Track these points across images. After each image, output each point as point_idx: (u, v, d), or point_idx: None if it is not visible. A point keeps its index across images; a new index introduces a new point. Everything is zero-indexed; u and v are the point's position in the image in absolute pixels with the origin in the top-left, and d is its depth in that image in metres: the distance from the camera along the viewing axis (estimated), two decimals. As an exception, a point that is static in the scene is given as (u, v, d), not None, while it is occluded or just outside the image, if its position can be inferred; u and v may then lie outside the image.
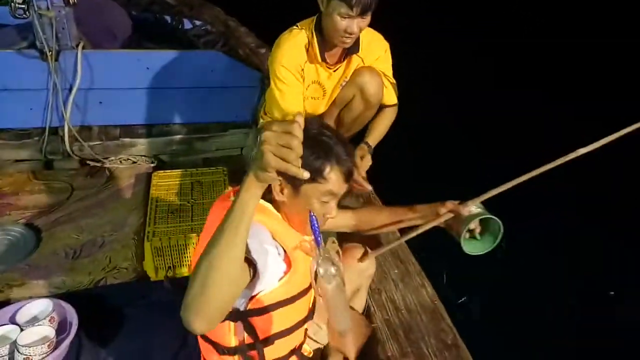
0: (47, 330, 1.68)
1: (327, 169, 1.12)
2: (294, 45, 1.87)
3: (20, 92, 2.64)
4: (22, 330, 1.68)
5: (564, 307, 2.67)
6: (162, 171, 2.59)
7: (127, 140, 2.83)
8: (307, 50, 1.89)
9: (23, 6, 2.45)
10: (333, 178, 1.13)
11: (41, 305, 1.78)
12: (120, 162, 2.78)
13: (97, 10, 2.95)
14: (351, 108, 1.96)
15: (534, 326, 2.53)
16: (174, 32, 3.30)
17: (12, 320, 1.73)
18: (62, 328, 1.73)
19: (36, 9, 2.40)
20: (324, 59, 1.90)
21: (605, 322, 2.56)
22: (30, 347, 1.59)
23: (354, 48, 1.90)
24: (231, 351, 1.23)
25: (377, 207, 1.64)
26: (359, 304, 1.50)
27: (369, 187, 1.82)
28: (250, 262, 1.00)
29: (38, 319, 1.74)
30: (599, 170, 2.80)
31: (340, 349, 1.04)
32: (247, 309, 1.16)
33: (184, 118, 2.89)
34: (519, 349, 2.37)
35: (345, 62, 1.96)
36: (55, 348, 1.64)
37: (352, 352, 0.85)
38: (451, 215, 1.35)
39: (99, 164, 2.74)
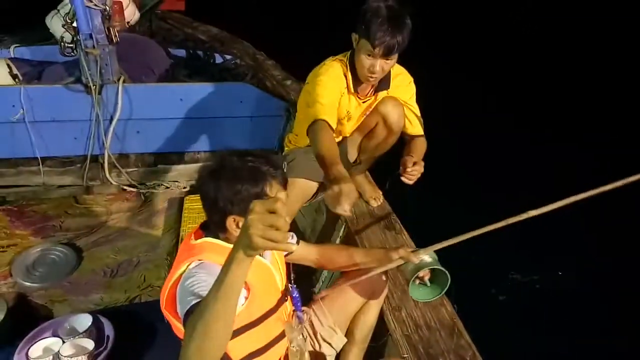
0: (86, 342, 1.79)
1: (267, 188, 1.18)
2: (336, 71, 1.93)
3: (66, 123, 2.84)
4: (63, 342, 1.79)
5: (590, 327, 2.64)
6: (193, 195, 2.74)
7: (161, 167, 3.00)
8: (344, 79, 1.95)
9: (72, 45, 2.68)
10: (275, 191, 1.19)
11: (81, 320, 1.89)
12: (155, 187, 2.95)
13: (137, 47, 3.17)
14: (374, 135, 2.03)
15: (554, 343, 2.51)
16: (206, 66, 3.49)
17: (55, 334, 1.85)
18: (99, 341, 1.84)
19: (83, 47, 2.62)
20: (356, 91, 1.98)
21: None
22: (71, 357, 1.70)
23: (384, 85, 1.97)
24: None
25: (338, 247, 1.67)
26: (367, 319, 1.55)
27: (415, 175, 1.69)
28: None
29: (78, 332, 1.85)
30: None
31: None
32: None
33: (215, 145, 3.05)
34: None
35: (374, 96, 2.04)
36: (94, 359, 1.74)
37: None
38: (402, 262, 1.42)
39: (134, 190, 2.91)
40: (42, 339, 1.80)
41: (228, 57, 3.61)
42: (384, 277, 1.53)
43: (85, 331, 1.83)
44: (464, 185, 3.77)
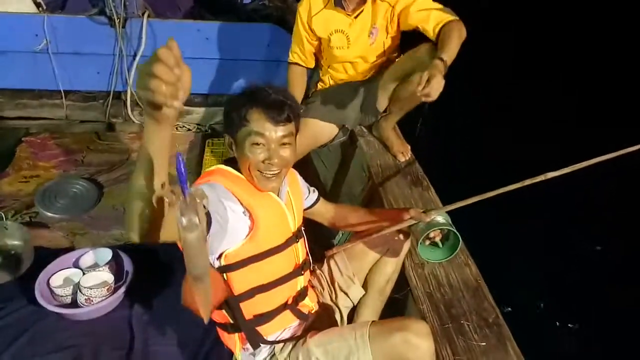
0: (106, 275, 1.81)
1: (249, 111, 1.18)
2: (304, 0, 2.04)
3: (89, 56, 2.78)
4: (84, 274, 1.81)
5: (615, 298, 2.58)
6: (215, 139, 2.69)
7: (184, 107, 2.93)
8: None
9: (96, -27, 2.58)
10: (255, 118, 1.18)
11: (102, 254, 1.91)
12: (177, 128, 2.90)
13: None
14: (408, 84, 1.92)
15: (578, 311, 2.47)
16: (234, 5, 3.35)
17: (76, 265, 1.88)
18: (119, 275, 1.86)
19: (108, -24, 2.51)
20: (338, 4, 1.95)
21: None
22: (92, 289, 1.72)
23: None
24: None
25: (352, 207, 1.64)
26: (385, 270, 1.52)
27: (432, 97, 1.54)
28: (206, 214, 1.00)
29: (98, 265, 1.87)
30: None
31: (192, 299, 0.98)
32: (221, 265, 1.24)
33: (238, 89, 2.95)
34: (563, 331, 2.33)
35: (367, 7, 1.95)
36: (113, 292, 1.76)
37: (201, 303, 0.83)
38: (413, 221, 1.38)
39: (156, 129, 2.86)
40: (63, 269, 1.83)
41: (256, -3, 3.45)
42: (401, 236, 1.47)
43: (105, 265, 1.85)
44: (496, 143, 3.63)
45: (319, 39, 2.10)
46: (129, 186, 0.83)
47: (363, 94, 2.15)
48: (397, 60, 2.12)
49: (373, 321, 1.33)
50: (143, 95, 0.72)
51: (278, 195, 1.31)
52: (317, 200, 1.54)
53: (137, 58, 2.76)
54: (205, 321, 0.88)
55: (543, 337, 2.30)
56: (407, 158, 2.15)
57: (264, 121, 1.18)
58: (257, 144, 1.19)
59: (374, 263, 1.52)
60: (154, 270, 1.92)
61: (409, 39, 2.01)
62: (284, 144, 1.22)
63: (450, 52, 1.67)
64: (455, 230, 1.34)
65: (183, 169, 0.75)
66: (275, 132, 1.19)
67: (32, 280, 1.75)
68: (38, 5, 2.76)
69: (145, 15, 2.69)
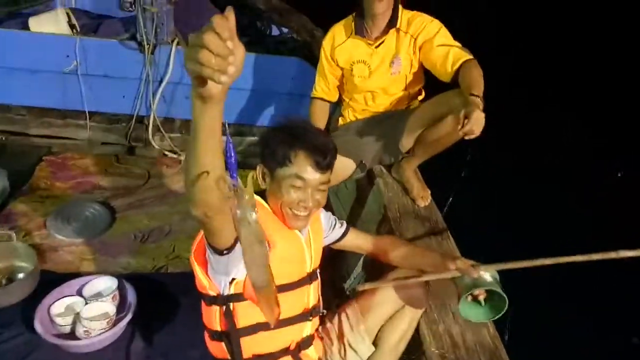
0: (108, 307, 1.76)
1: (294, 153, 1.19)
2: (328, 34, 2.10)
3: (116, 79, 2.82)
4: (86, 303, 1.77)
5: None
6: (234, 169, 2.66)
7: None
8: (346, 30, 2.04)
9: (131, 0, 2.63)
10: (299, 161, 1.19)
11: (107, 282, 1.87)
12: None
13: (194, 9, 3.10)
14: (438, 128, 1.86)
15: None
16: (262, 37, 3.39)
17: (79, 293, 1.83)
18: (122, 306, 1.80)
19: (142, 3, 2.56)
20: (359, 33, 1.99)
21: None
22: (92, 320, 1.67)
23: (392, 21, 1.93)
24: (216, 336, 1.29)
25: (393, 240, 1.56)
26: (399, 326, 1.43)
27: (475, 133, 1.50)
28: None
29: (102, 294, 1.82)
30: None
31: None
32: (230, 293, 1.21)
33: (262, 120, 2.95)
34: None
35: (390, 37, 1.96)
36: (113, 325, 1.71)
37: (266, 311, 0.85)
38: (458, 273, 1.30)
39: (175, 156, 2.87)
40: (65, 296, 1.78)
41: (285, 29, 3.48)
42: (426, 285, 1.39)
43: (108, 295, 1.80)
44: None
45: (342, 70, 2.11)
46: (187, 155, 0.82)
47: (386, 132, 2.10)
48: (426, 102, 2.07)
49: None
50: (190, 68, 0.66)
51: (300, 232, 1.29)
52: (346, 232, 1.51)
53: (163, 84, 2.79)
54: (272, 325, 0.94)
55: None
56: (427, 203, 2.07)
57: (308, 166, 1.19)
58: (296, 186, 1.19)
59: (388, 318, 1.43)
60: (158, 302, 1.87)
61: (434, 83, 1.97)
62: (320, 189, 1.22)
63: (479, 89, 1.64)
64: (503, 293, 1.24)
65: (233, 155, 0.74)
66: (316, 178, 1.21)
67: (34, 305, 1.71)
68: (72, 27, 2.84)
69: (175, 42, 2.73)
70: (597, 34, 6.19)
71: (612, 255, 1.11)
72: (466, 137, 1.52)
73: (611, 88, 5.20)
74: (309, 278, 1.32)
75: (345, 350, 1.44)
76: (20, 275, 1.90)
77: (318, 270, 1.39)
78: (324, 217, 1.47)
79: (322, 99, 2.23)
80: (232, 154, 0.68)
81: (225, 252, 1.05)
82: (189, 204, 0.88)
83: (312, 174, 1.20)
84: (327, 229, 1.47)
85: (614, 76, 5.38)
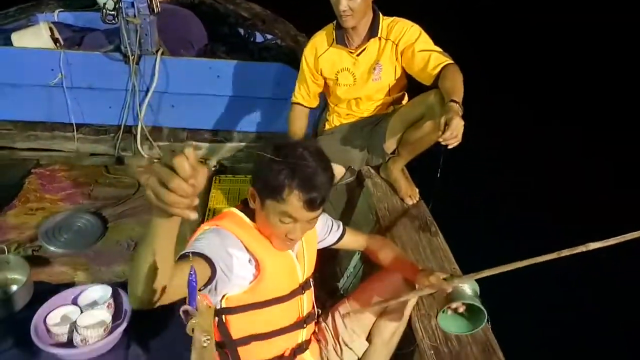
0: (104, 315, 1.77)
1: (286, 191, 1.11)
2: (310, 42, 2.13)
3: (102, 91, 2.83)
4: (82, 312, 1.78)
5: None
6: (222, 175, 2.69)
7: (192, 143, 2.96)
8: (327, 39, 2.07)
9: (113, 13, 2.64)
10: (291, 201, 1.12)
11: (101, 291, 1.88)
12: (184, 163, 2.90)
13: (178, 19, 3.12)
14: (418, 127, 1.91)
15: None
16: (246, 44, 3.42)
17: (74, 302, 1.84)
18: (117, 314, 1.81)
19: (124, 16, 2.58)
20: (342, 44, 2.02)
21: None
22: (88, 328, 1.68)
23: (373, 31, 1.97)
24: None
25: (385, 244, 1.57)
26: (390, 322, 1.46)
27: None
28: (210, 262, 1.05)
29: (97, 303, 1.83)
30: None
31: None
32: (222, 307, 1.23)
33: (248, 126, 2.98)
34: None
35: (372, 45, 2.00)
36: (110, 333, 1.72)
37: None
38: (432, 290, 1.28)
39: (165, 164, 2.87)
40: (61, 306, 1.79)
41: (269, 36, 3.52)
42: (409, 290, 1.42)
43: (104, 303, 1.81)
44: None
45: (325, 79, 2.14)
46: (135, 256, 0.83)
47: (370, 136, 2.16)
48: (405, 104, 2.13)
49: None
50: (156, 204, 0.67)
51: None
52: (343, 234, 1.53)
53: (150, 93, 2.81)
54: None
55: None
56: (415, 201, 2.12)
57: (300, 207, 1.13)
58: (285, 222, 1.16)
59: (379, 314, 1.47)
60: (153, 310, 1.87)
61: (415, 84, 2.03)
62: (311, 223, 1.20)
63: (460, 94, 1.67)
64: (480, 306, 1.21)
65: (194, 286, 0.78)
66: (308, 215, 1.16)
67: (30, 316, 1.72)
68: (55, 40, 2.84)
69: (159, 52, 2.75)
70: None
71: (582, 249, 1.09)
72: (445, 144, 1.52)
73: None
74: (302, 288, 1.33)
75: (341, 349, 1.47)
76: (14, 288, 1.90)
77: (311, 279, 1.39)
78: (320, 221, 1.44)
79: (301, 104, 2.26)
80: (193, 280, 0.76)
81: (202, 288, 1.05)
82: (131, 302, 0.88)
83: (303, 213, 1.14)
84: (323, 232, 1.48)
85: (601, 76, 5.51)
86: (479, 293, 1.26)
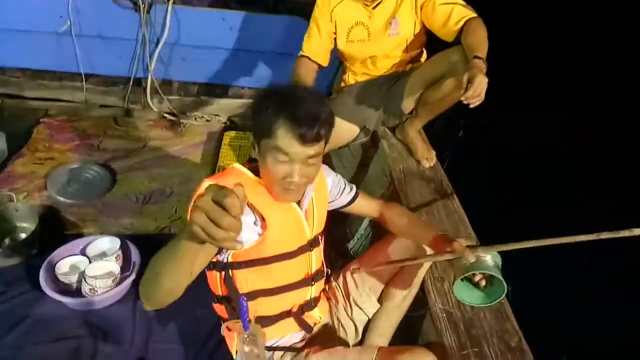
0: (112, 266, 1.76)
1: (276, 124, 1.06)
2: None
3: (111, 40, 2.75)
4: (90, 262, 1.77)
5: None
6: (233, 132, 2.63)
7: (204, 98, 2.88)
8: None
9: (124, -43, 2.53)
10: (281, 135, 1.05)
11: (110, 242, 1.87)
12: (195, 119, 2.85)
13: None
14: (439, 86, 1.82)
15: (602, 337, 2.32)
16: (260, -4, 3.29)
17: (83, 252, 1.83)
18: (125, 266, 1.81)
19: (135, -41, 2.47)
20: None
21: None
22: (97, 279, 1.67)
23: None
24: (219, 299, 1.30)
25: (402, 211, 1.47)
26: (402, 283, 1.41)
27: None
28: None
29: (106, 254, 1.83)
30: None
31: None
32: (228, 261, 1.20)
33: (260, 82, 2.89)
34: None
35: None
36: (118, 284, 1.71)
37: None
38: (453, 256, 1.18)
39: (174, 118, 2.82)
40: (69, 255, 1.78)
41: (284, -11, 3.38)
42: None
43: (112, 254, 1.80)
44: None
45: (335, 35, 2.00)
46: (155, 268, 0.87)
47: (387, 95, 2.06)
48: (425, 62, 2.03)
49: (380, 348, 1.24)
50: (203, 239, 0.70)
51: (300, 202, 1.23)
52: (355, 197, 1.45)
53: (160, 45, 2.72)
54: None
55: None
56: (432, 164, 2.05)
57: (291, 139, 1.05)
58: (280, 160, 1.08)
59: (392, 275, 1.43)
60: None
61: (435, 41, 1.91)
62: (309, 163, 1.11)
63: (484, 50, 1.57)
64: (502, 279, 1.13)
65: (245, 311, 0.88)
66: (302, 151, 1.07)
67: (38, 264, 1.71)
68: (64, -15, 2.73)
69: (171, 1, 2.64)
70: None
71: (626, 233, 0.96)
72: (468, 103, 1.43)
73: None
74: (310, 245, 1.29)
75: (351, 308, 1.45)
76: (23, 235, 1.89)
77: (321, 236, 1.35)
78: (332, 182, 1.40)
79: (309, 57, 2.06)
80: (245, 306, 0.92)
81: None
82: (144, 303, 0.92)
83: (296, 148, 1.06)
84: (335, 193, 1.42)
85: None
86: (500, 266, 1.19)
